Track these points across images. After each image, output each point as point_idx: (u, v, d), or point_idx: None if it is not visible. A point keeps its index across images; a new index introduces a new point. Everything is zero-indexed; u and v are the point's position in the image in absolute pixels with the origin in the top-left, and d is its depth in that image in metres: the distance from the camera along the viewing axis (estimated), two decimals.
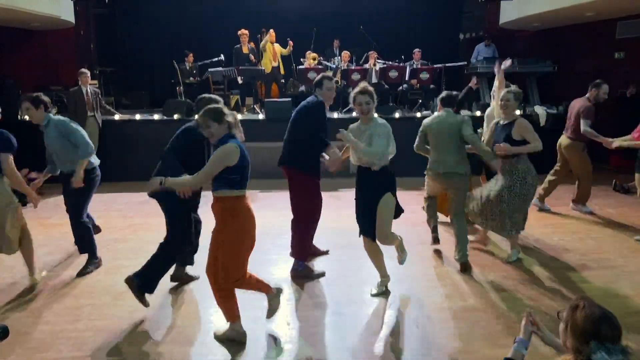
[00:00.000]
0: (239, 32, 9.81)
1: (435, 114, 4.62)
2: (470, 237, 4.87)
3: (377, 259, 3.94)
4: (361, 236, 3.88)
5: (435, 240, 4.90)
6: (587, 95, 5.90)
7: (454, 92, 4.67)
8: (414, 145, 4.63)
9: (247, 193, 3.08)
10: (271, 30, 9.97)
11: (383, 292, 3.95)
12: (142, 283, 3.54)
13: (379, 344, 3.22)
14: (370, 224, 3.74)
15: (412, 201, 6.47)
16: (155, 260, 3.65)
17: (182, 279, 4.13)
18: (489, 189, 4.55)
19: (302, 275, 4.28)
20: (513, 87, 4.67)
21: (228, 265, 3.07)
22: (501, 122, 4.52)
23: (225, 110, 3.08)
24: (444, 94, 4.60)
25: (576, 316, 1.81)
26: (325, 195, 4.45)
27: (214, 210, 3.07)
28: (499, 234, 4.66)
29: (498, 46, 11.17)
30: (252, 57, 9.92)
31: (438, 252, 4.86)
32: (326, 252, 4.81)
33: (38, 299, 3.88)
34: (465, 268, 4.35)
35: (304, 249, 4.36)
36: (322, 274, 4.32)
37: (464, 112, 8.27)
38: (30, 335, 3.33)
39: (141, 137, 8.19)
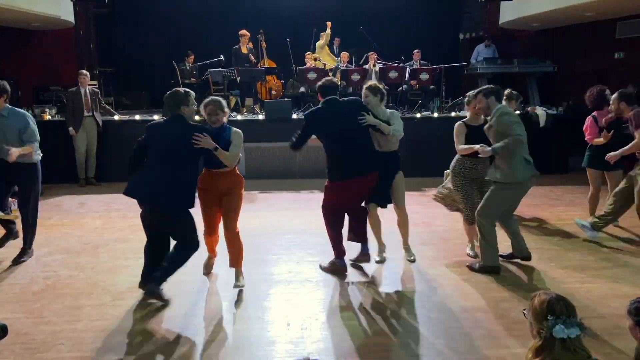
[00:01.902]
0: (240, 32, 9.82)
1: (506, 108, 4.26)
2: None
3: (377, 229, 4.49)
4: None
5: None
6: None
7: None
8: (520, 137, 3.95)
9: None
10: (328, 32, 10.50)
11: (384, 260, 4.55)
12: (159, 285, 3.66)
13: (378, 345, 3.22)
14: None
15: (412, 201, 6.47)
16: (171, 264, 3.70)
17: None
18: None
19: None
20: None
21: (236, 218, 3.98)
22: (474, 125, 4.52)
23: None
24: (497, 87, 4.28)
25: (534, 303, 2.05)
26: (317, 197, 4.50)
27: (230, 182, 3.92)
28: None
29: (498, 46, 11.18)
30: (251, 57, 9.92)
31: (438, 253, 4.85)
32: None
33: (38, 299, 3.88)
34: (529, 257, 4.46)
35: None
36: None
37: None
38: (30, 335, 3.32)
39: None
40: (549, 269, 4.43)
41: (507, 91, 5.20)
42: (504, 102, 5.26)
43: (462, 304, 3.77)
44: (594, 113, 5.41)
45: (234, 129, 3.89)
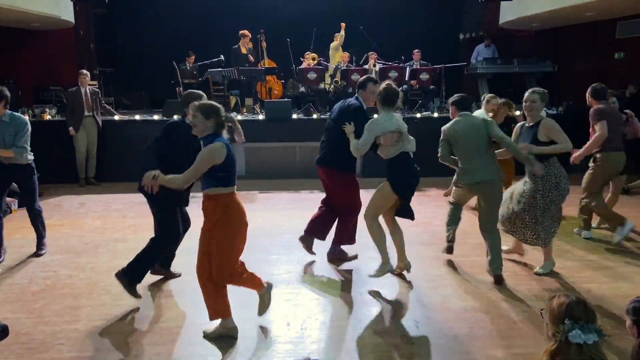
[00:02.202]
0: (241, 32, 9.82)
1: (456, 119, 4.27)
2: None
3: (378, 241, 4.15)
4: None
5: (450, 250, 4.63)
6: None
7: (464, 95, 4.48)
8: (439, 156, 4.29)
9: (236, 190, 3.20)
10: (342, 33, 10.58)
11: (380, 275, 4.15)
12: (130, 277, 3.70)
13: (378, 345, 3.22)
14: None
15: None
16: (145, 254, 3.77)
17: (163, 274, 4.21)
18: (518, 194, 4.23)
19: (338, 257, 4.62)
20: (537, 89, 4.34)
21: (222, 260, 3.14)
22: (527, 124, 4.27)
23: (221, 111, 3.13)
24: (458, 97, 4.35)
25: (552, 305, 1.98)
26: (324, 196, 4.49)
27: (206, 208, 3.14)
28: (532, 244, 4.29)
29: (498, 46, 11.18)
30: (250, 57, 9.91)
31: (438, 253, 4.85)
32: (355, 257, 4.73)
33: (38, 299, 3.88)
34: (499, 281, 4.08)
35: (345, 236, 4.61)
36: (355, 257, 4.67)
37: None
38: (30, 335, 3.32)
39: (141, 138, 8.18)
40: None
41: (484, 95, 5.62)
42: (483, 106, 5.76)
43: (462, 304, 3.77)
44: None
45: (214, 144, 3.04)
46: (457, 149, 4.16)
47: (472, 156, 4.09)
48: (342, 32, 10.60)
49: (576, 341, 1.86)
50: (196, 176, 3.07)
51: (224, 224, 3.10)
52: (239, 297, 3.88)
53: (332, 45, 10.67)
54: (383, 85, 4.15)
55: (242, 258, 4.36)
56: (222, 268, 3.14)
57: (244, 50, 9.85)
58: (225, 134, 3.18)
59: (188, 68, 10.27)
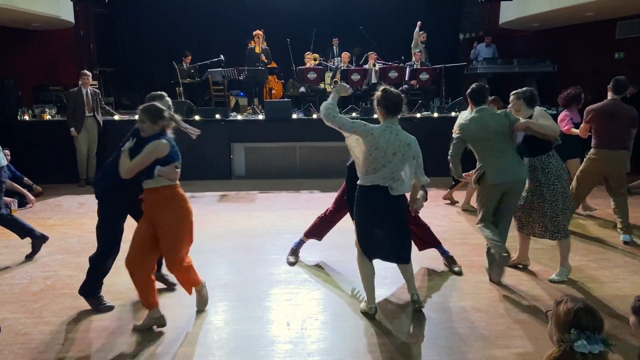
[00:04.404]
0: (254, 33, 9.91)
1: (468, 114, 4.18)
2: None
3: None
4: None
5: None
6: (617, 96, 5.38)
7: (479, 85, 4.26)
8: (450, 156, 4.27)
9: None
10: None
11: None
12: (88, 295, 3.72)
13: (378, 345, 3.22)
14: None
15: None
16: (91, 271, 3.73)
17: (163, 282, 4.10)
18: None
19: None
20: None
21: (170, 249, 3.32)
22: None
23: (165, 112, 3.37)
24: (476, 86, 4.18)
25: (559, 310, 1.92)
26: (324, 196, 4.47)
27: (150, 202, 3.29)
28: (544, 237, 4.17)
29: (498, 46, 11.19)
30: (264, 57, 9.91)
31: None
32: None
33: (38, 299, 3.88)
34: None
35: None
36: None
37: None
38: (30, 335, 3.33)
39: None
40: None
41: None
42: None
43: (462, 304, 3.77)
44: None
45: (159, 140, 3.28)
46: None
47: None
48: (417, 30, 10.53)
49: (581, 351, 1.81)
50: (141, 167, 3.22)
51: (169, 214, 3.27)
52: (239, 297, 3.89)
53: (413, 44, 10.69)
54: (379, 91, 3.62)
55: (242, 256, 4.38)
56: (173, 255, 3.33)
57: (257, 50, 9.88)
58: (170, 133, 3.41)
59: (185, 68, 10.28)
